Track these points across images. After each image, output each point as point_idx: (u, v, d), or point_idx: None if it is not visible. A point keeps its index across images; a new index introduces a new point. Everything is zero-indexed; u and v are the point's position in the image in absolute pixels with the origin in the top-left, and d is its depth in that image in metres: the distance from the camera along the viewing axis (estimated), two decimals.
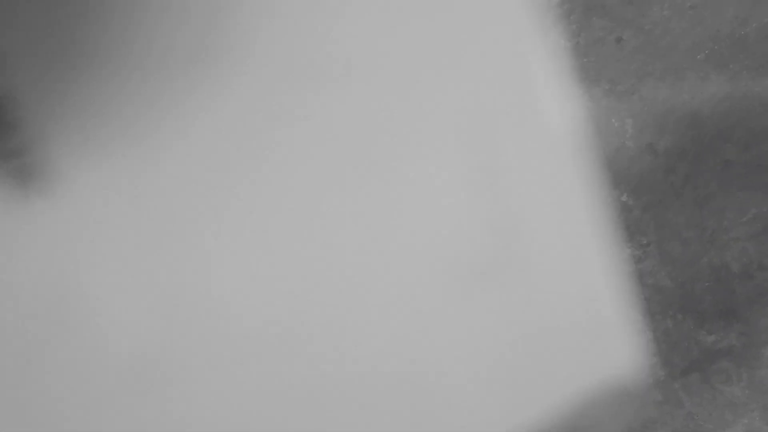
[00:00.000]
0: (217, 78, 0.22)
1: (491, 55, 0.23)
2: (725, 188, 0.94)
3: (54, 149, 0.20)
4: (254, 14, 0.22)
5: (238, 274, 0.22)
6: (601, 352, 0.22)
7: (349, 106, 0.23)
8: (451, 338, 0.22)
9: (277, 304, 0.22)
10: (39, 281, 0.20)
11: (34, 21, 0.20)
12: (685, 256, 0.95)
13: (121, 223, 0.21)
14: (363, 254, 0.22)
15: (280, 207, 0.23)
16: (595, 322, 0.22)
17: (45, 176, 0.20)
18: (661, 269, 0.96)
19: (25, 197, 0.20)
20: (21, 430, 0.19)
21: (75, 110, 0.21)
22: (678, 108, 0.94)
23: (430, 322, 0.22)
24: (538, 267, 0.22)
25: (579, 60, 0.95)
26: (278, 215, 0.23)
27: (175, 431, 0.20)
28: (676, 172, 0.95)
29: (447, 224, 0.22)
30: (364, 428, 0.22)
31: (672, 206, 0.95)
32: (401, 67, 0.23)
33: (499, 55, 0.23)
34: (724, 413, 0.96)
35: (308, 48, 0.23)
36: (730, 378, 0.96)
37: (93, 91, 0.21)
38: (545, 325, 0.22)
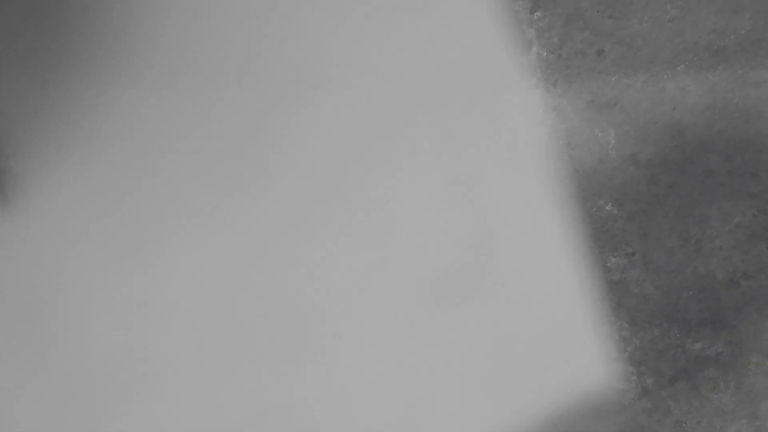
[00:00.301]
0: (197, 94, 0.22)
1: (470, 74, 0.24)
2: (708, 197, 0.95)
3: (28, 160, 0.20)
4: (235, 33, 0.22)
5: (215, 282, 0.22)
6: (575, 363, 0.23)
7: (328, 126, 0.23)
8: (428, 349, 0.22)
9: (259, 314, 0.22)
10: (16, 286, 0.20)
11: (8, 33, 0.20)
12: (670, 265, 0.95)
13: (96, 232, 0.21)
14: (344, 268, 0.22)
15: (260, 219, 0.23)
16: (569, 334, 0.23)
17: (20, 186, 0.20)
18: (647, 278, 0.96)
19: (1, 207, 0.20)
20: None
21: (49, 121, 0.21)
22: (660, 119, 0.95)
23: (407, 334, 0.22)
24: (514, 281, 0.23)
25: (561, 72, 0.96)
26: (258, 227, 0.23)
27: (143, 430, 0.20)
28: (659, 183, 0.95)
29: (425, 240, 0.23)
30: None
31: (656, 216, 0.96)
32: (381, 86, 0.23)
33: (478, 74, 0.24)
34: (712, 421, 0.96)
35: (292, 64, 0.23)
36: (717, 386, 0.95)
37: (68, 103, 0.21)
38: (521, 337, 0.23)
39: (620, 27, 0.94)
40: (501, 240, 0.22)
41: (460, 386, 0.21)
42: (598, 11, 0.95)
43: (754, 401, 0.95)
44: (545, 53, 0.96)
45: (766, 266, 0.94)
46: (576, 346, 0.22)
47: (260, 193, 0.21)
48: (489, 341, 0.22)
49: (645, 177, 0.95)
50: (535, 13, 0.96)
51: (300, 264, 0.21)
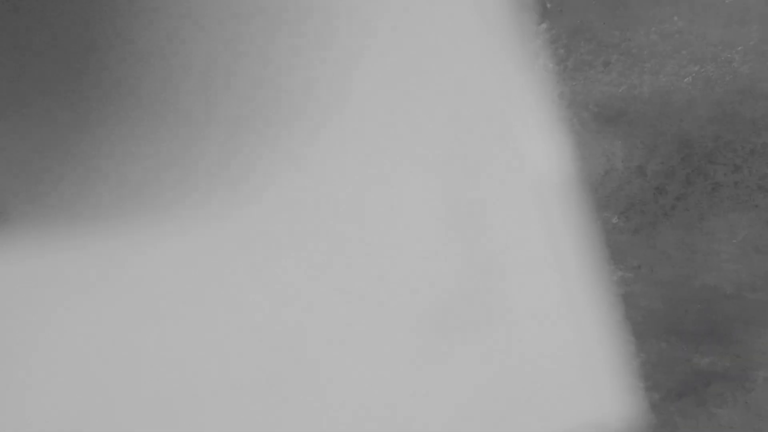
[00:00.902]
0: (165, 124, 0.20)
1: (477, 90, 0.22)
2: (715, 210, 0.93)
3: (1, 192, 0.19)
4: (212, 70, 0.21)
5: (204, 319, 0.20)
6: (584, 395, 0.22)
7: (325, 146, 0.22)
8: (432, 384, 0.21)
9: (254, 353, 0.21)
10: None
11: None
12: (677, 278, 0.94)
13: (63, 266, 0.19)
14: (345, 300, 0.21)
15: (254, 243, 0.22)
16: (577, 366, 0.22)
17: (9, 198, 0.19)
18: (653, 291, 0.95)
19: None
20: None
21: (22, 152, 0.19)
22: (666, 130, 0.94)
23: (411, 368, 0.21)
24: (517, 313, 0.22)
25: (568, 84, 0.95)
26: (253, 251, 0.21)
27: None
28: (666, 194, 0.94)
29: (429, 271, 0.21)
30: None
31: (662, 228, 0.95)
32: (384, 110, 0.22)
33: (481, 98, 0.22)
34: None
35: (290, 83, 0.22)
36: (725, 401, 0.94)
37: (41, 133, 0.19)
38: (525, 370, 0.21)
39: (627, 39, 0.93)
40: (504, 269, 0.21)
41: (458, 422, 0.20)
42: (604, 23, 0.94)
43: (762, 418, 0.93)
44: (551, 65, 0.95)
45: None
46: (584, 380, 0.21)
47: (254, 215, 0.20)
48: (491, 373, 0.21)
49: (652, 188, 0.94)
50: (542, 25, 0.95)
51: (296, 291, 0.20)
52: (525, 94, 0.22)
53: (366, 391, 0.20)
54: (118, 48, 0.17)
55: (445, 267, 0.21)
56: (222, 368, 0.19)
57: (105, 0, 0.17)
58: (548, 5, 0.94)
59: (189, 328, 0.19)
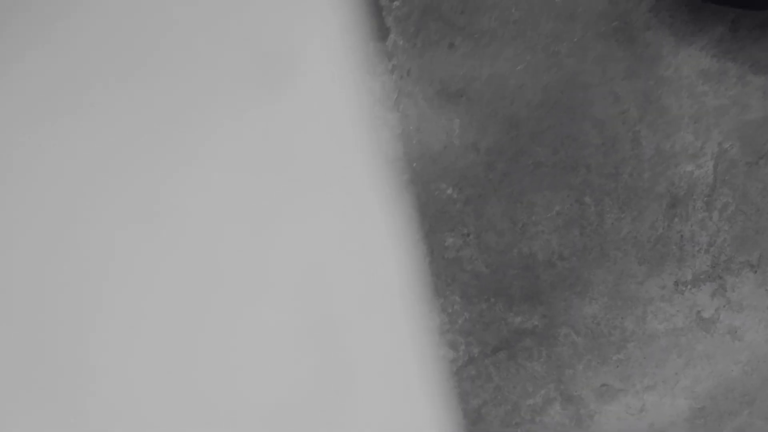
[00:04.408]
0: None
1: (330, 200, 0.20)
2: (536, 186, 1.02)
3: None
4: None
5: None
6: None
7: (181, 260, 0.19)
8: None
9: None
10: None
11: None
12: (500, 245, 1.03)
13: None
14: (199, 396, 0.19)
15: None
16: None
17: None
18: (479, 257, 1.03)
19: None
20: None
21: None
22: (499, 111, 1.01)
23: None
24: (366, 416, 0.20)
25: (415, 60, 0.99)
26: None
27: None
28: (495, 170, 1.02)
29: (280, 371, 0.20)
30: None
31: (490, 200, 1.02)
32: (236, 215, 0.19)
33: (338, 205, 0.20)
34: (525, 385, 1.05)
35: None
36: (532, 355, 1.05)
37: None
38: None
39: (471, 23, 0.98)
40: (358, 377, 0.20)
41: None
42: (451, 6, 0.98)
43: (560, 368, 1.05)
44: (402, 41, 0.98)
45: (578, 250, 1.03)
46: None
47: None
48: None
49: (483, 164, 1.00)
50: (395, 2, 0.97)
51: (153, 402, 0.18)
52: (377, 214, 0.20)
53: None
54: None
55: (299, 372, 0.19)
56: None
57: None
58: None
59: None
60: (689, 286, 0.99)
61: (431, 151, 0.96)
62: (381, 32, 0.93)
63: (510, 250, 0.97)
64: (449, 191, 0.96)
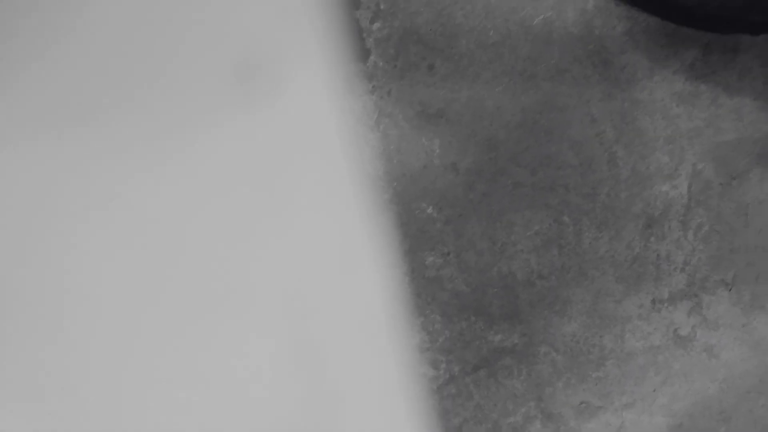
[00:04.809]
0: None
1: (314, 228, 0.20)
2: (515, 206, 1.04)
3: None
4: None
5: None
6: None
7: (170, 289, 0.19)
8: None
9: None
10: None
11: None
12: (480, 264, 1.04)
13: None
14: (181, 428, 0.19)
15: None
16: None
17: None
18: (459, 276, 1.04)
19: None
20: None
21: None
22: (478, 132, 1.02)
23: None
24: None
25: (396, 82, 1.00)
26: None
27: None
28: (474, 190, 1.03)
29: (263, 393, 0.20)
30: None
31: (470, 220, 1.03)
32: (218, 245, 0.19)
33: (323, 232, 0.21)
34: (506, 404, 1.05)
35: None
36: (512, 373, 1.05)
37: None
38: None
39: (450, 45, 1.00)
40: (343, 407, 0.20)
41: None
42: (431, 29, 1.00)
43: (540, 386, 1.06)
44: (382, 63, 1.00)
45: (557, 269, 1.05)
46: None
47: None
48: None
49: (463, 184, 1.02)
50: (375, 24, 0.99)
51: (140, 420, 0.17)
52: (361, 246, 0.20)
53: None
54: None
55: (284, 403, 0.19)
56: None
57: None
58: (382, 6, 0.98)
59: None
60: (666, 305, 1.00)
61: (411, 171, 0.97)
62: (362, 53, 0.95)
63: (490, 269, 0.98)
64: (429, 211, 0.97)
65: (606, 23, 0.99)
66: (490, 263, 0.98)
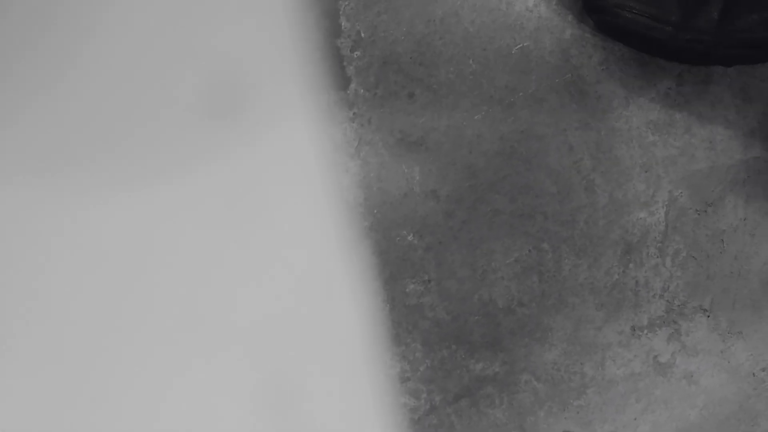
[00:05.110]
0: None
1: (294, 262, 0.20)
2: (494, 234, 1.04)
3: None
4: None
5: None
6: None
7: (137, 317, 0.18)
8: None
9: None
10: None
11: None
12: (460, 292, 1.03)
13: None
14: None
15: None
16: None
17: None
18: (440, 303, 1.03)
19: None
20: None
21: None
22: (458, 160, 1.03)
23: None
24: None
25: (376, 110, 1.01)
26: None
27: None
28: (454, 217, 1.03)
29: (235, 425, 0.19)
30: None
31: (451, 247, 1.03)
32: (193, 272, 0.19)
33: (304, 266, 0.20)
34: None
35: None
36: (493, 402, 1.04)
37: None
38: None
39: (429, 74, 1.01)
40: None
41: None
42: (411, 58, 1.01)
43: (522, 415, 1.05)
44: (362, 90, 1.00)
45: (536, 296, 1.05)
46: None
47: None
48: None
49: (443, 212, 1.02)
50: (355, 52, 0.99)
51: None
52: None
53: None
54: None
55: (254, 423, 0.19)
56: None
57: None
58: (363, 34, 0.99)
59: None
60: (645, 331, 1.01)
61: (392, 199, 0.97)
62: (342, 81, 0.95)
63: (470, 296, 0.98)
64: (410, 238, 0.97)
65: (582, 53, 1.00)
66: (470, 291, 0.98)
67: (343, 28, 0.95)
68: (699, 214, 1.01)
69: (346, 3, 0.95)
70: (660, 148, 1.01)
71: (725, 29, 0.97)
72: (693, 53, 0.97)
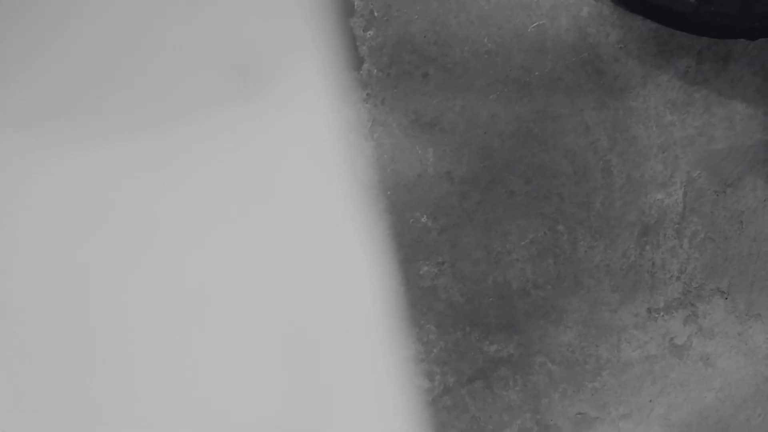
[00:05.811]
0: None
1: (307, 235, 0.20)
2: (509, 215, 1.02)
3: None
4: None
5: None
6: None
7: (156, 284, 0.19)
8: None
9: None
10: None
11: None
12: (475, 274, 1.02)
13: None
14: (169, 424, 0.19)
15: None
16: None
17: None
18: (454, 286, 1.02)
19: None
20: None
21: None
22: (473, 141, 1.01)
23: None
24: None
25: (389, 90, 0.99)
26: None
27: None
28: (469, 199, 1.02)
29: (253, 402, 0.19)
30: None
31: (465, 229, 1.02)
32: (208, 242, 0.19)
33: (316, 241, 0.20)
34: (502, 415, 1.04)
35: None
36: (508, 384, 1.04)
37: None
38: None
39: (444, 54, 0.99)
40: (332, 402, 0.19)
41: None
42: (425, 37, 0.99)
43: (537, 397, 1.04)
44: (376, 71, 0.98)
45: (552, 278, 1.04)
46: None
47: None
48: None
49: (457, 193, 1.00)
50: (368, 32, 0.98)
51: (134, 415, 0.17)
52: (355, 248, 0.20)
53: None
54: None
55: (274, 398, 0.19)
56: None
57: None
58: (376, 14, 0.97)
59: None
60: (662, 314, 0.99)
61: (406, 180, 0.96)
62: (356, 62, 0.94)
63: (485, 278, 0.97)
64: (424, 220, 0.96)
65: (599, 31, 0.98)
66: (485, 273, 0.97)
67: (356, 7, 0.94)
68: (717, 195, 0.99)
69: None
70: (678, 128, 0.99)
71: (749, 1, 0.95)
72: (716, 27, 0.95)
